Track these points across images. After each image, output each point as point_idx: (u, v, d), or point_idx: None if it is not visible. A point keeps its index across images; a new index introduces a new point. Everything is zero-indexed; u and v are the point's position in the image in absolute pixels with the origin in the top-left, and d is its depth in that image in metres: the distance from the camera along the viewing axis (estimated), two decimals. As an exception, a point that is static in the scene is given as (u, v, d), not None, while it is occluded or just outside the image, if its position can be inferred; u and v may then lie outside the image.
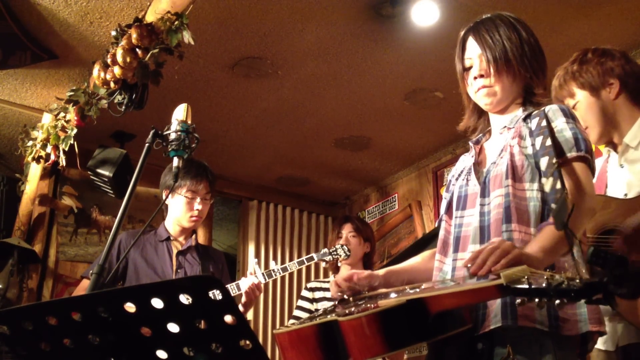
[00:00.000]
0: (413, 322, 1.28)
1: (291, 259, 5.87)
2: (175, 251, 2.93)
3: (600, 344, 2.05)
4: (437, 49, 3.80)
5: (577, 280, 1.09)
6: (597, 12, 3.56)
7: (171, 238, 2.96)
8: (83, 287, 2.78)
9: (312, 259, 3.35)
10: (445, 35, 3.64)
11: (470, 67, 1.78)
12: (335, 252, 3.42)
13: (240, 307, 2.86)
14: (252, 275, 2.96)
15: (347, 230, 3.65)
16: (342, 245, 3.46)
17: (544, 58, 1.79)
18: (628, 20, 3.58)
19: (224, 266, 3.07)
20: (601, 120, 2.18)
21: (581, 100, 2.20)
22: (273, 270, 3.11)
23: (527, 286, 1.12)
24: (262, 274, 3.03)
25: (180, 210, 2.92)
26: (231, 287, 2.89)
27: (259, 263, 3.03)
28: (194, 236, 3.00)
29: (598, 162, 2.31)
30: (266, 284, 5.58)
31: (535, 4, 3.50)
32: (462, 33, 1.83)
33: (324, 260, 3.39)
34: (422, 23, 3.58)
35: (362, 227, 3.72)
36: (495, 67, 1.72)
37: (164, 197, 2.97)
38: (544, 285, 1.10)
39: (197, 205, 2.90)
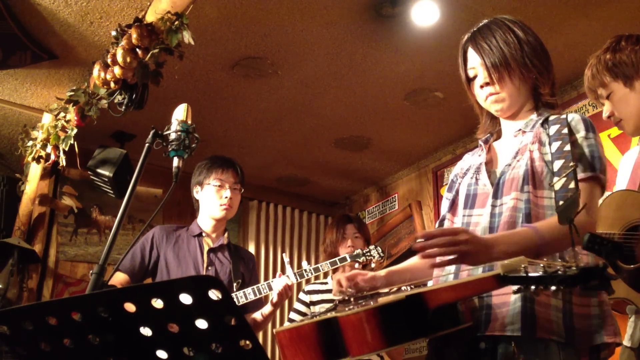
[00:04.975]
0: (411, 317, 1.29)
1: (291, 259, 5.87)
2: (206, 248, 2.94)
3: (626, 340, 2.05)
4: (437, 49, 3.80)
5: (574, 267, 1.11)
6: (597, 12, 3.56)
7: (203, 234, 2.97)
8: (117, 281, 2.76)
9: (344, 259, 3.28)
10: (445, 35, 3.64)
11: (475, 77, 1.78)
12: (368, 254, 3.32)
13: (269, 307, 2.85)
14: (286, 275, 2.92)
15: (351, 231, 3.63)
16: (375, 246, 3.38)
17: (547, 55, 1.77)
18: (628, 20, 3.58)
19: (254, 268, 3.08)
20: (636, 112, 2.08)
21: (615, 91, 2.10)
22: (305, 270, 3.07)
23: (524, 275, 1.14)
24: (294, 274, 2.99)
25: (210, 200, 2.93)
26: (262, 287, 2.88)
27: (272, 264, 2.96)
28: (226, 234, 3.01)
29: (632, 154, 2.28)
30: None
31: (535, 4, 3.50)
32: (461, 43, 1.83)
33: (357, 262, 3.29)
34: (422, 23, 3.58)
35: (362, 227, 3.72)
36: (497, 74, 1.71)
37: (194, 195, 3.00)
38: (540, 273, 1.12)
39: (226, 193, 2.91)
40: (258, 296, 2.87)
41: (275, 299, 2.83)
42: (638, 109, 2.09)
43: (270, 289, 2.87)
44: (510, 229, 1.56)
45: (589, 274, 1.10)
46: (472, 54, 1.78)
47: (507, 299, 1.49)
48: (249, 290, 2.87)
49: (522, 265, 1.15)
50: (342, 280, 1.66)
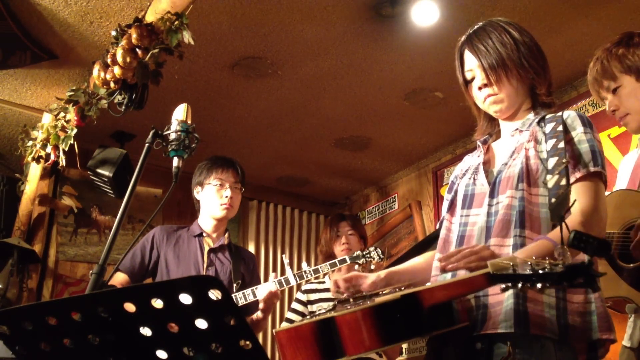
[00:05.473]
0: (406, 317, 1.30)
1: (291, 259, 5.87)
2: (207, 248, 2.93)
3: (626, 340, 2.05)
4: (437, 49, 3.80)
5: (560, 265, 1.12)
6: (597, 12, 3.56)
7: (204, 234, 2.96)
8: (117, 281, 2.77)
9: (344, 261, 3.25)
10: (445, 35, 3.63)
11: (473, 79, 1.79)
12: (368, 255, 3.29)
13: (260, 314, 2.83)
14: (270, 282, 2.89)
15: (345, 229, 3.63)
16: (375, 248, 3.36)
17: (543, 55, 1.78)
18: (628, 20, 3.58)
19: (255, 268, 3.07)
20: None
21: (624, 84, 2.10)
22: (304, 272, 3.05)
23: (512, 272, 1.16)
24: (294, 275, 2.98)
25: (210, 200, 2.93)
26: (247, 294, 2.86)
27: (268, 265, 2.94)
28: (226, 234, 3.00)
29: (632, 156, 2.28)
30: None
31: (535, 4, 3.50)
32: (457, 46, 1.83)
33: (357, 263, 3.26)
34: (422, 23, 3.58)
35: (357, 224, 3.71)
36: (495, 75, 1.72)
37: (195, 195, 3.00)
38: (527, 271, 1.14)
39: (227, 192, 2.91)
40: (248, 301, 2.85)
41: (261, 306, 2.81)
42: None
43: (255, 296, 2.85)
44: (505, 227, 1.57)
45: (575, 271, 1.11)
46: (468, 56, 1.79)
47: (502, 297, 1.49)
48: (239, 294, 2.85)
49: (511, 264, 1.17)
50: (340, 282, 1.67)
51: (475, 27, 1.81)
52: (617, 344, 1.96)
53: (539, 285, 1.12)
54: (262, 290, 2.83)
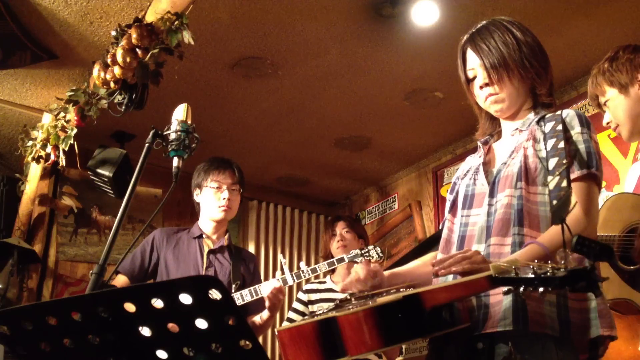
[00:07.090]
0: (408, 317, 1.31)
1: (291, 259, 5.88)
2: (206, 249, 2.94)
3: None
4: (437, 49, 3.80)
5: (562, 269, 1.12)
6: (597, 12, 3.56)
7: (203, 236, 2.97)
8: (117, 283, 2.76)
9: (342, 260, 3.22)
10: (445, 35, 3.64)
11: (475, 78, 1.78)
12: (367, 253, 3.23)
13: (266, 312, 2.80)
14: (275, 279, 2.88)
15: (340, 228, 3.62)
16: (374, 246, 3.30)
17: (545, 56, 1.78)
18: (628, 20, 3.58)
19: (256, 269, 3.06)
20: (631, 117, 2.17)
21: (611, 98, 2.19)
22: (302, 272, 3.03)
23: (514, 276, 1.17)
24: (292, 275, 2.97)
25: (208, 202, 2.94)
26: (251, 291, 2.84)
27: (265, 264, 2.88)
28: (226, 236, 3.00)
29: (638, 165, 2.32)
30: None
31: (535, 4, 3.50)
32: (460, 44, 1.83)
33: (355, 262, 3.20)
34: (422, 23, 3.58)
35: (354, 224, 3.70)
36: (496, 74, 1.72)
37: (194, 198, 3.01)
38: (530, 274, 1.15)
39: (224, 194, 2.91)
40: (245, 301, 2.84)
41: (267, 303, 2.78)
42: (631, 114, 2.16)
43: (257, 294, 2.83)
44: (504, 226, 1.57)
45: (577, 275, 1.11)
46: (471, 55, 1.78)
47: (502, 297, 1.50)
48: (237, 295, 2.84)
49: (513, 267, 1.17)
50: (363, 272, 1.65)
51: (479, 25, 1.81)
52: (618, 343, 1.96)
53: (540, 289, 1.12)
54: (266, 287, 2.82)
